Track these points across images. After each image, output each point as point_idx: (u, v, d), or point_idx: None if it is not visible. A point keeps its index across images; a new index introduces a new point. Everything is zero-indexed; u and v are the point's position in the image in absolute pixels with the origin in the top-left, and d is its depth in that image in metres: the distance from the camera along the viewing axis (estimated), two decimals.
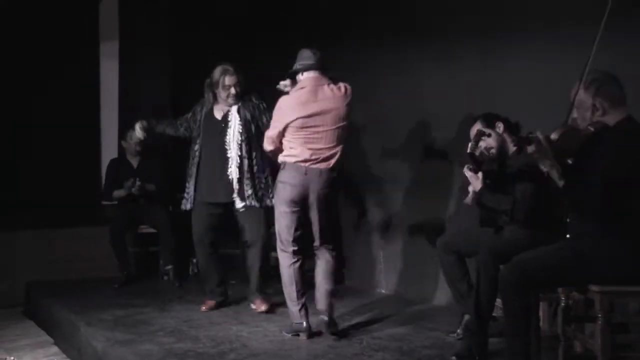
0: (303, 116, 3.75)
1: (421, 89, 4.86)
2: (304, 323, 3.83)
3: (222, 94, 4.44)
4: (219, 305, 4.58)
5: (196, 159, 4.49)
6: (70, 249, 5.82)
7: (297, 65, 3.86)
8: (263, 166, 4.46)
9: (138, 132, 4.78)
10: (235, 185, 4.41)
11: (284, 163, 3.83)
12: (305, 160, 3.77)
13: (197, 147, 4.50)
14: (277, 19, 6.26)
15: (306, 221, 3.88)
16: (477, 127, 3.75)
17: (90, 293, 5.16)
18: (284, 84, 4.01)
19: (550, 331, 3.45)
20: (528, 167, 3.44)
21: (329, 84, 3.82)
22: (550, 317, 3.55)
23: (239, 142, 4.40)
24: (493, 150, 3.69)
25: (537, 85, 4.00)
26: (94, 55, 6.45)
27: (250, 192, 4.39)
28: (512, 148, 3.62)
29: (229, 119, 4.43)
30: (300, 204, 3.83)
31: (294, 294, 3.86)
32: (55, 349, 4.49)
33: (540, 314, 3.42)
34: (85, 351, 3.96)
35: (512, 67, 4.21)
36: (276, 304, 4.47)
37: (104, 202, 6.02)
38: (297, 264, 3.87)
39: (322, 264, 3.93)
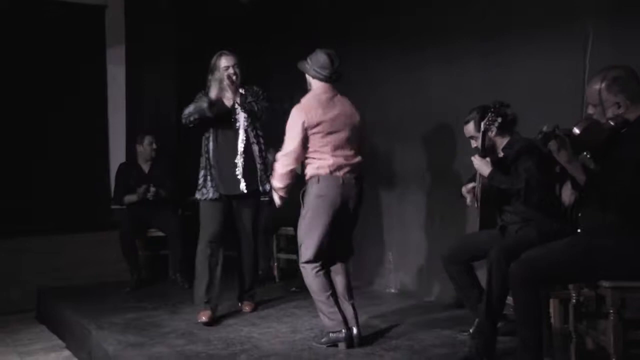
0: (328, 119, 3.63)
1: (426, 90, 4.86)
2: (343, 331, 3.64)
3: (221, 77, 4.32)
4: (216, 315, 4.34)
5: (211, 148, 4.35)
6: (80, 253, 5.84)
7: (310, 69, 3.71)
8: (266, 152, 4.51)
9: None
10: (246, 173, 4.32)
11: (317, 176, 3.64)
12: (339, 168, 3.64)
13: (209, 135, 4.37)
14: (280, 21, 6.29)
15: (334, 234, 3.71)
16: (471, 127, 3.75)
17: (101, 297, 5.18)
18: None
19: (562, 328, 3.44)
20: (525, 149, 3.50)
21: (339, 94, 3.76)
22: (562, 313, 3.54)
23: (249, 128, 4.34)
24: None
25: (540, 84, 3.99)
26: (100, 60, 6.47)
27: (264, 177, 4.37)
28: (502, 143, 3.68)
29: (236, 106, 4.34)
30: (337, 216, 3.66)
31: (328, 302, 3.67)
32: (67, 352, 4.50)
33: (552, 310, 3.42)
34: (97, 354, 3.97)
35: (515, 67, 4.20)
36: (259, 304, 4.67)
37: (113, 207, 6.04)
38: (323, 271, 3.70)
39: (343, 277, 3.78)
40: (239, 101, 4.32)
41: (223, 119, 4.34)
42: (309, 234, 3.68)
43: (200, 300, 4.33)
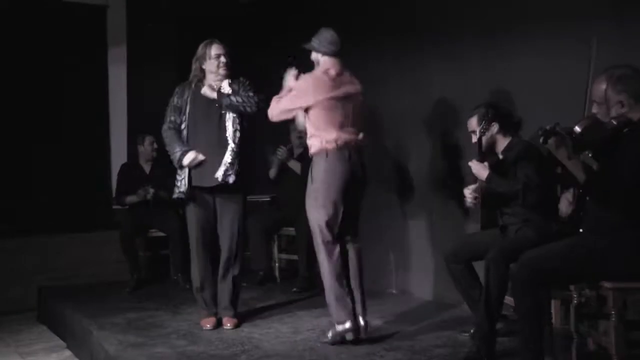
0: (336, 96, 3.67)
1: (426, 89, 4.86)
2: (349, 322, 3.60)
3: (211, 66, 4.17)
4: (218, 320, 4.24)
5: (189, 139, 4.13)
6: (80, 253, 5.85)
7: (319, 46, 3.76)
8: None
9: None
10: (234, 164, 4.06)
11: (326, 151, 3.65)
12: (346, 144, 3.66)
13: (184, 126, 4.15)
14: (280, 22, 6.28)
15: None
16: (474, 120, 3.77)
17: (102, 297, 5.19)
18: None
19: (563, 329, 3.44)
20: (525, 153, 3.53)
21: (346, 69, 3.80)
22: (563, 314, 3.54)
23: (236, 119, 4.11)
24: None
25: (542, 83, 3.99)
26: (102, 60, 6.47)
27: (238, 169, 4.07)
28: (503, 143, 3.70)
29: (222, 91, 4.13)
30: (347, 190, 3.67)
31: (342, 290, 3.62)
32: (68, 352, 4.51)
33: (553, 311, 3.42)
34: (98, 355, 3.97)
35: (517, 66, 4.19)
36: (243, 320, 4.31)
37: (115, 207, 6.04)
38: (338, 252, 3.65)
39: (355, 261, 3.75)
40: (224, 101, 4.11)
41: (205, 108, 4.14)
42: (322, 210, 3.65)
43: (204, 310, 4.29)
